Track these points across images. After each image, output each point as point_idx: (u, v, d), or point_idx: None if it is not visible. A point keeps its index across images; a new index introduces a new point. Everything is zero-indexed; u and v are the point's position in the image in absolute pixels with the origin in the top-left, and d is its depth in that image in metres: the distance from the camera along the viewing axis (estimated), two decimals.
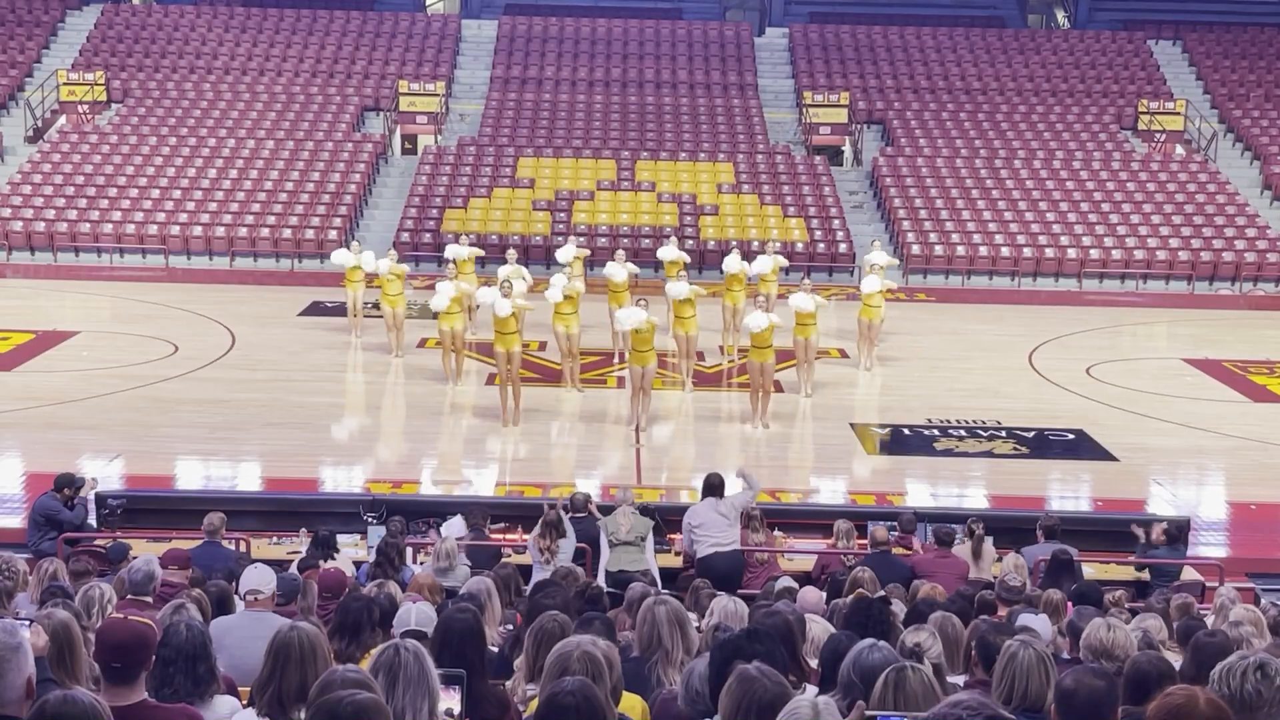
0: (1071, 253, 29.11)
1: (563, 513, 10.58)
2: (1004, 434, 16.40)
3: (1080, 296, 27.66)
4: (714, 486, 11.35)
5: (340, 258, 20.68)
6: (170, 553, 8.73)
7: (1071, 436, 16.49)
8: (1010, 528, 12.11)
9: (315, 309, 23.18)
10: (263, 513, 12.65)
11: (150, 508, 12.53)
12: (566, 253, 20.09)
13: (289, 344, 20.61)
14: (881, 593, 7.92)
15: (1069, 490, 15.03)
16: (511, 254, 20.04)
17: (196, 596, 7.17)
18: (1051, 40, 37.85)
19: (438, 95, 33.58)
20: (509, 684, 5.67)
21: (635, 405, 16.01)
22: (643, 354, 15.69)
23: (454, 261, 19.52)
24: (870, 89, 35.10)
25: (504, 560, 10.77)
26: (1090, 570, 11.16)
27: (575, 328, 17.64)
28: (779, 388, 17.93)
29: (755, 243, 27.54)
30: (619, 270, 19.19)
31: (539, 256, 27.21)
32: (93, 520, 11.93)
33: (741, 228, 29.46)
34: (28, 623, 4.88)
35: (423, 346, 20.14)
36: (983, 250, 29.05)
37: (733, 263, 19.86)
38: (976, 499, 14.29)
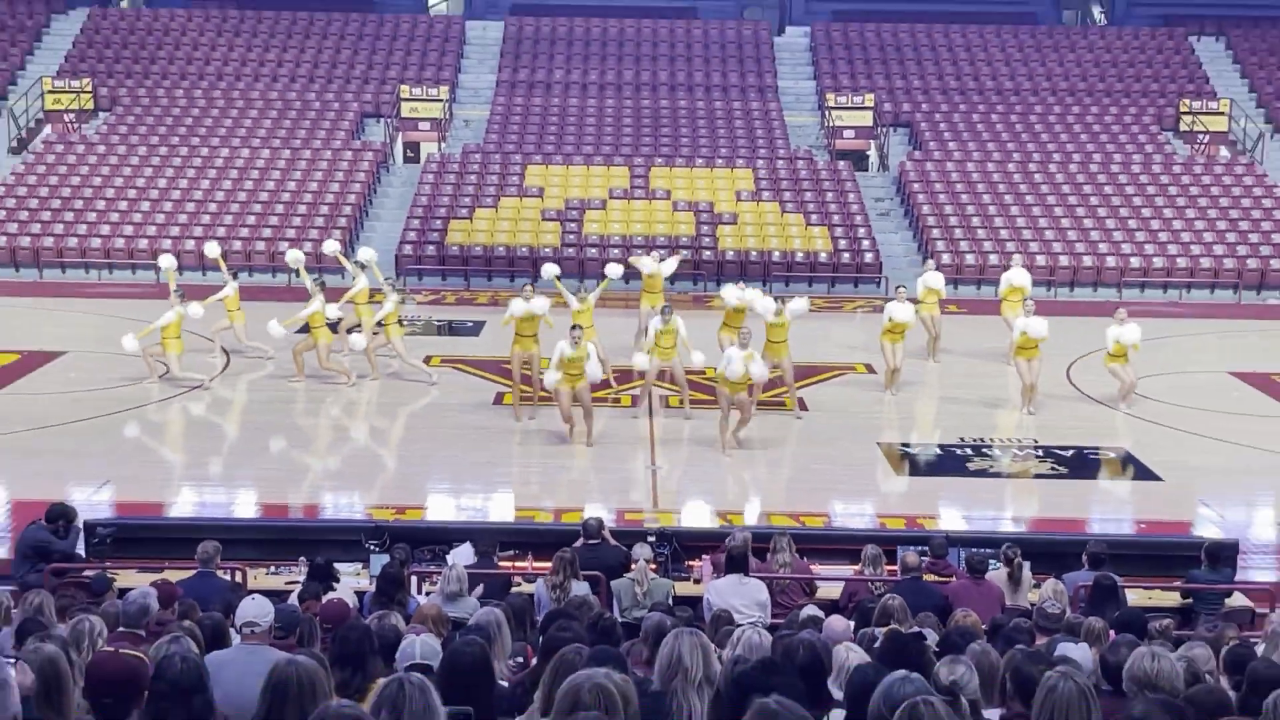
0: (1111, 261, 29.05)
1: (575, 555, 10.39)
2: (1041, 453, 16.38)
3: (1120, 307, 27.49)
4: (736, 560, 9.95)
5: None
6: (157, 586, 8.71)
7: (1113, 455, 16.45)
8: (1049, 552, 12.04)
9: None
10: (259, 540, 12.63)
11: (141, 536, 12.52)
12: (616, 269, 20.37)
13: (283, 365, 20.64)
14: (916, 628, 7.83)
15: (1110, 512, 14.99)
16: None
17: (189, 629, 7.17)
18: (1087, 38, 37.85)
19: (441, 100, 33.71)
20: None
21: (724, 424, 16.02)
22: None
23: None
24: (896, 90, 35.12)
25: (515, 589, 10.76)
26: (1134, 597, 11.09)
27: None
28: (803, 406, 17.96)
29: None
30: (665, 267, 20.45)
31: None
32: (81, 549, 11.95)
33: (762, 237, 29.48)
34: (12, 660, 4.85)
35: (428, 363, 20.16)
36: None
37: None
38: (1013, 522, 14.27)
